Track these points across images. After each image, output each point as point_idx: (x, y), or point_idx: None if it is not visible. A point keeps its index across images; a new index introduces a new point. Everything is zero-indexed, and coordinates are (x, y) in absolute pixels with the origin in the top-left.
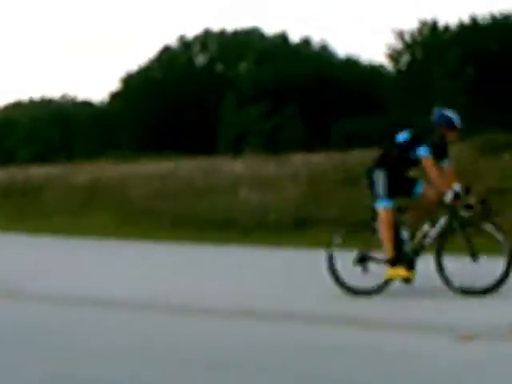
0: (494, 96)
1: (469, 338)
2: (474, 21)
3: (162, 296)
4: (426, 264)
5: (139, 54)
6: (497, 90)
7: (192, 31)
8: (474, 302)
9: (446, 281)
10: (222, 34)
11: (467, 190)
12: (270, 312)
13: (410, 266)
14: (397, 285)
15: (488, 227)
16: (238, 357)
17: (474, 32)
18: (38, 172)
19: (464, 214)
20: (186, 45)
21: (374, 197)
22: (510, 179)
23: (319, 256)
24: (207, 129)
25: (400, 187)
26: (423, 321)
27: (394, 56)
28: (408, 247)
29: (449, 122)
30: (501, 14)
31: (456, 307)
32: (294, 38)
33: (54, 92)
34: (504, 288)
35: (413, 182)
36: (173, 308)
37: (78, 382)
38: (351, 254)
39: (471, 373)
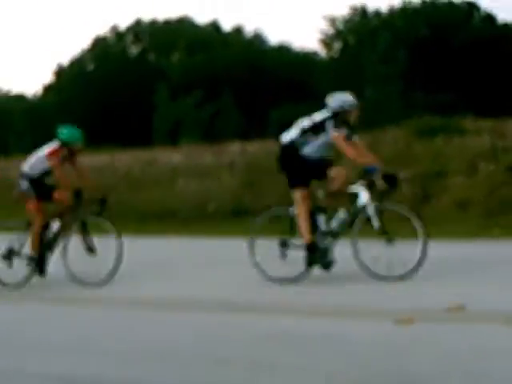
0: (427, 79)
1: (408, 321)
2: (403, 5)
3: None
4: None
5: (72, 46)
6: (429, 74)
7: (124, 21)
8: (411, 286)
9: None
10: (154, 23)
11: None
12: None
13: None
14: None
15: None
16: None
17: (403, 16)
18: None
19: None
20: (118, 35)
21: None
22: (444, 162)
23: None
24: (142, 120)
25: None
26: (360, 306)
27: (327, 42)
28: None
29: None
30: None
31: (393, 291)
32: (226, 26)
33: None
34: (440, 271)
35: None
36: None
37: None
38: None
39: (409, 355)
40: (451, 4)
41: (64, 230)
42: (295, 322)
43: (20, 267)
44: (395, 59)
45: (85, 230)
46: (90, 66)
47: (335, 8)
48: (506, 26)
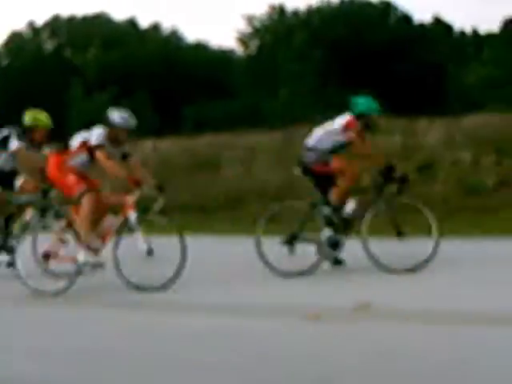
0: (343, 78)
1: (315, 317)
2: (321, 5)
3: None
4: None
5: None
6: (346, 72)
7: (43, 17)
8: (320, 284)
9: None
10: (72, 19)
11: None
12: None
13: None
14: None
15: None
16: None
17: (321, 16)
18: None
19: None
20: (35, 31)
21: None
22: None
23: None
24: (57, 117)
25: None
26: (267, 303)
27: (244, 41)
28: None
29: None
30: None
31: (301, 289)
32: (144, 23)
33: None
34: (347, 269)
35: None
36: None
37: None
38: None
39: (316, 352)
40: (369, 4)
41: (363, 209)
42: (202, 321)
43: (305, 253)
44: (310, 57)
45: (393, 212)
46: (5, 62)
47: (253, 7)
48: (421, 26)
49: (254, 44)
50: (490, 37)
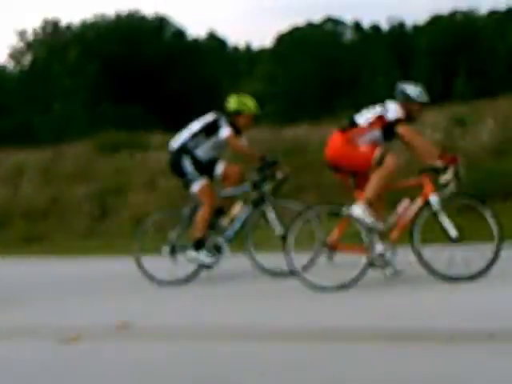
0: (118, 93)
1: (73, 339)
2: (95, 19)
3: None
4: None
5: None
6: (120, 87)
7: None
8: (80, 303)
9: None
10: None
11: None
12: None
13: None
14: None
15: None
16: None
17: (95, 30)
18: None
19: None
20: None
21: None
22: (125, 178)
23: None
24: None
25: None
26: (23, 325)
27: (16, 56)
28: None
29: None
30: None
31: (59, 309)
32: None
33: None
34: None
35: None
36: None
37: None
38: None
39: (71, 375)
40: (143, 18)
41: None
42: None
43: None
44: (84, 72)
45: None
46: None
47: (27, 22)
48: (195, 41)
49: (27, 59)
50: (262, 52)
